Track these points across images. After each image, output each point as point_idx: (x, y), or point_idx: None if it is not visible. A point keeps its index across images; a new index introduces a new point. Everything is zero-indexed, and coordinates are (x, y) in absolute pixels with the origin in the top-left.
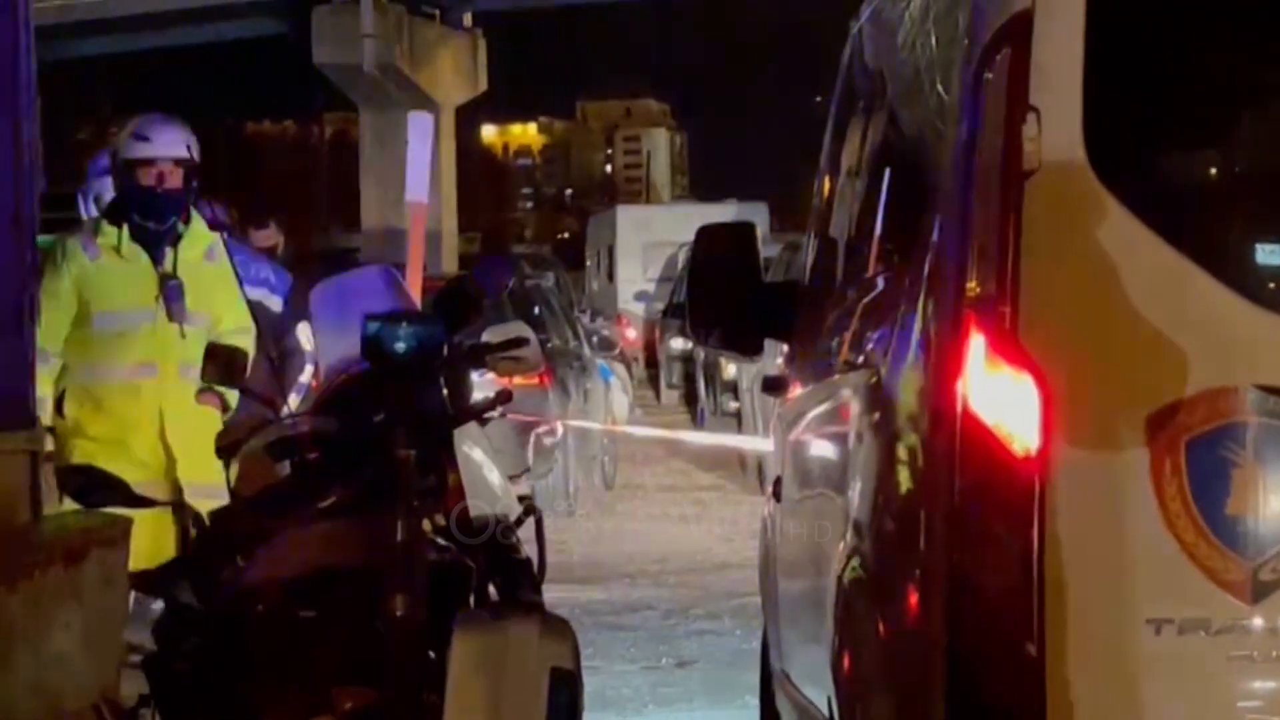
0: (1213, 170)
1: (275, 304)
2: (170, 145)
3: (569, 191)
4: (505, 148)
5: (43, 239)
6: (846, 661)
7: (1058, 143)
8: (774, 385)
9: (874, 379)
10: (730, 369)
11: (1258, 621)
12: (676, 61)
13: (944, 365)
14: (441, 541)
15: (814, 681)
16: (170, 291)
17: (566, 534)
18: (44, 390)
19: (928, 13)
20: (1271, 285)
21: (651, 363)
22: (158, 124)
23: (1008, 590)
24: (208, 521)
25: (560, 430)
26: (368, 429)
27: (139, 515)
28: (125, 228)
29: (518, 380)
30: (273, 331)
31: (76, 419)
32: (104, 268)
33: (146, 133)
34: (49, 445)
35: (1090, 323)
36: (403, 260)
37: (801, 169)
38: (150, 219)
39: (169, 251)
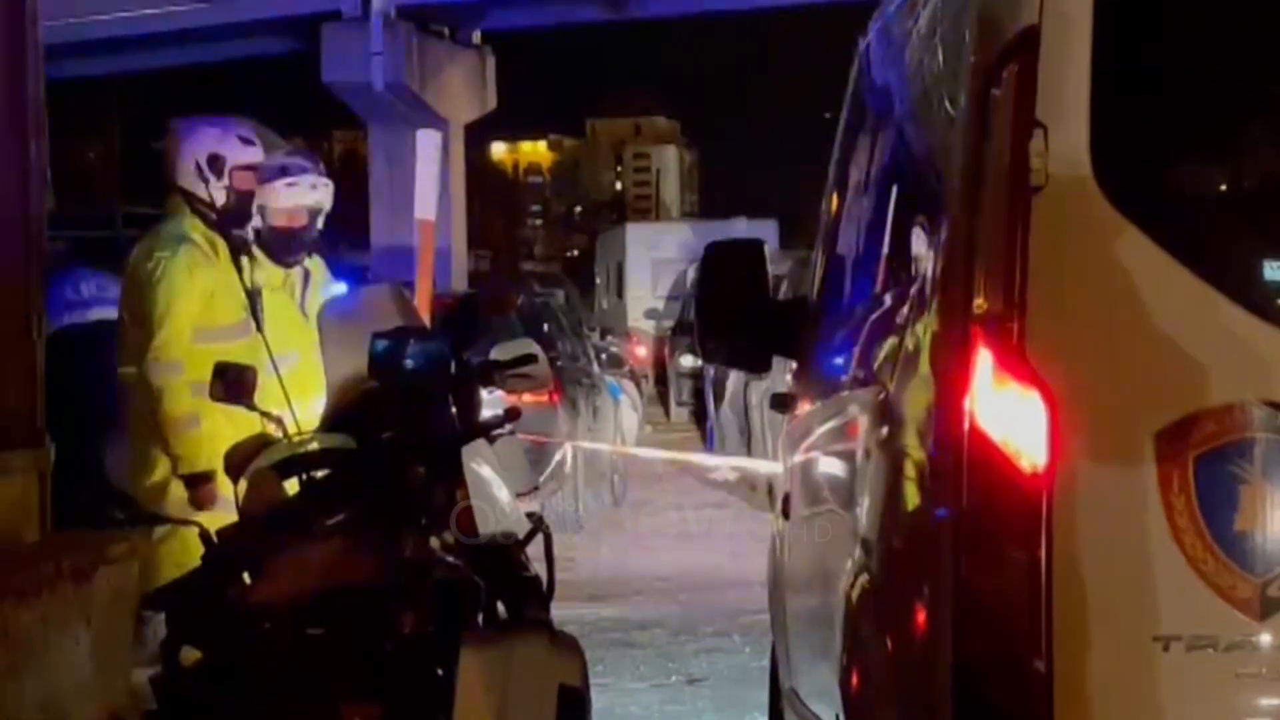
0: (1220, 186)
1: None
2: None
3: (578, 209)
4: (515, 165)
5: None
6: (855, 678)
7: (1064, 159)
8: (783, 402)
9: (881, 395)
10: (738, 386)
11: (1266, 638)
12: (686, 79)
13: (951, 381)
14: (449, 559)
15: (823, 698)
16: (258, 305)
17: (575, 551)
18: (186, 408)
19: (935, 29)
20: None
21: (661, 380)
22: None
23: (1015, 607)
24: (215, 539)
25: (569, 448)
26: (376, 447)
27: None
28: (227, 242)
29: (526, 398)
30: None
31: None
32: (217, 281)
33: (253, 138)
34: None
35: (1097, 338)
36: (411, 278)
37: (811, 185)
38: (238, 232)
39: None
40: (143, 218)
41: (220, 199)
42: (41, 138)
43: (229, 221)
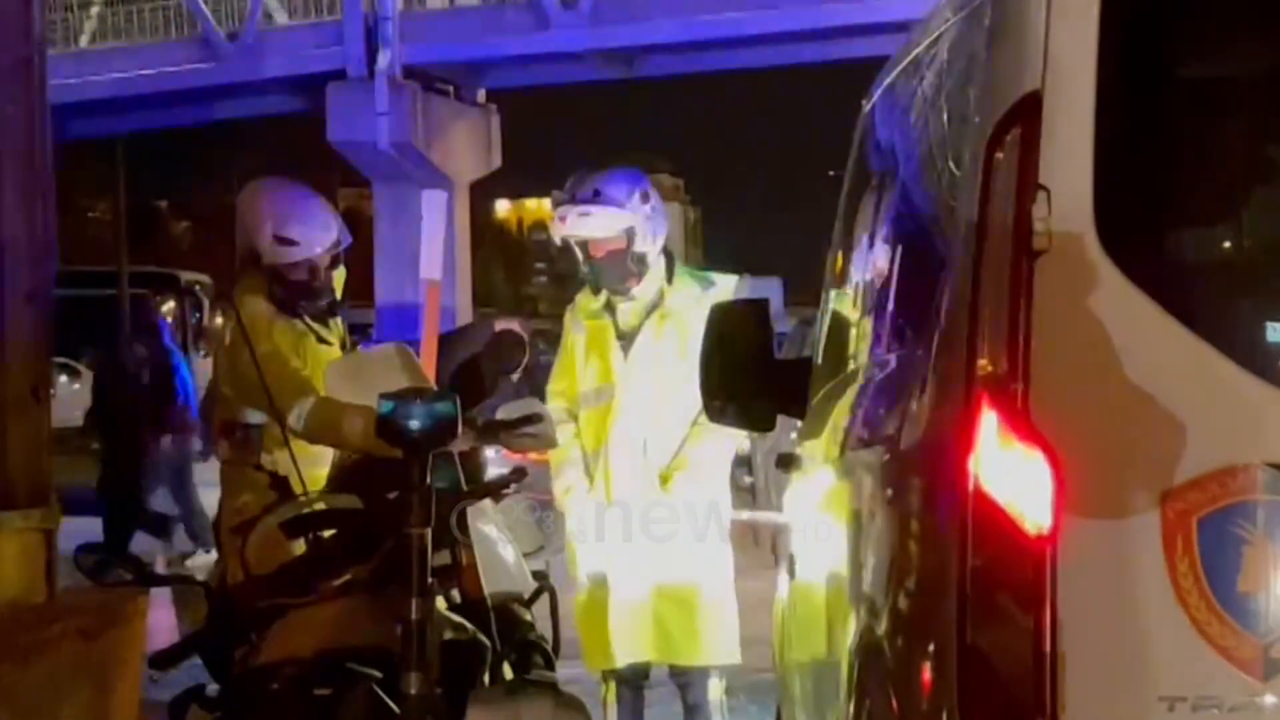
0: (1223, 248)
1: None
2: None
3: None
4: (519, 222)
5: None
6: None
7: (1068, 222)
8: (788, 462)
9: (886, 456)
10: (744, 444)
11: (1270, 699)
12: (690, 137)
13: (955, 442)
14: (456, 619)
15: None
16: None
17: None
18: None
19: (939, 90)
20: None
21: None
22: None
23: (1020, 669)
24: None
25: None
26: (382, 507)
27: None
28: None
29: (532, 456)
30: None
31: None
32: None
33: (294, 235)
34: None
35: (1102, 400)
36: (417, 336)
37: (815, 244)
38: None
39: None
40: (148, 276)
41: (270, 291)
42: (51, 205)
43: (288, 306)
